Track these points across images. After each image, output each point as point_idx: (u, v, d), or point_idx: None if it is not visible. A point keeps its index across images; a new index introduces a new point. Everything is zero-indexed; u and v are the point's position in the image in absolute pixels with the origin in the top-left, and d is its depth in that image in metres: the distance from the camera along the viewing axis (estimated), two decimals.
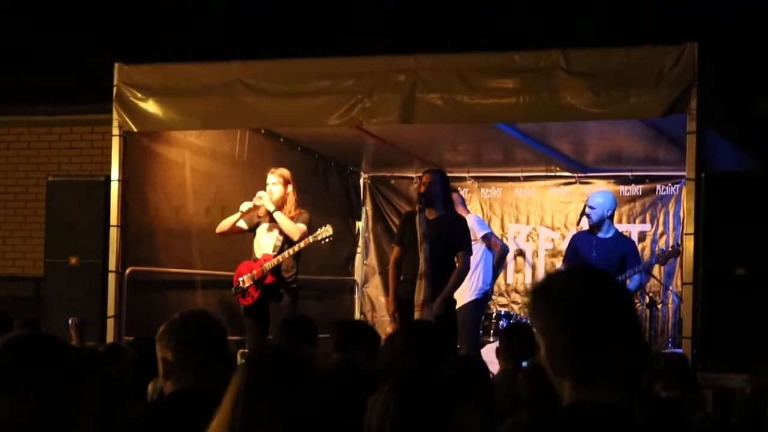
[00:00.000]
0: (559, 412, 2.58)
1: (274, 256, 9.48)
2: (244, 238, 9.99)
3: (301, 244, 9.41)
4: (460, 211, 10.69)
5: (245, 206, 9.67)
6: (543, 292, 2.68)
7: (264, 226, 9.66)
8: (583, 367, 2.59)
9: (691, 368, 7.31)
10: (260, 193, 9.62)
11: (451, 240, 9.35)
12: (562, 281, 2.70)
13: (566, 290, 2.65)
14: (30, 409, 2.60)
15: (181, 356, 3.90)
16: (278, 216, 9.52)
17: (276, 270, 9.48)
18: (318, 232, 9.45)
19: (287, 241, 9.58)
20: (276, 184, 9.65)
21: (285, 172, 9.73)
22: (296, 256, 9.57)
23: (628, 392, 2.63)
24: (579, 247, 9.97)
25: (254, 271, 9.51)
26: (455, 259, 9.38)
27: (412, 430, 3.02)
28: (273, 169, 9.80)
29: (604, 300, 2.63)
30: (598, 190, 10.95)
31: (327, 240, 9.47)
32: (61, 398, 2.64)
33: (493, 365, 9.30)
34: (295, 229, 9.47)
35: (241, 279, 9.59)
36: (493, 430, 4.08)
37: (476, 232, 11.12)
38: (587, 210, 9.95)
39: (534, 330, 2.68)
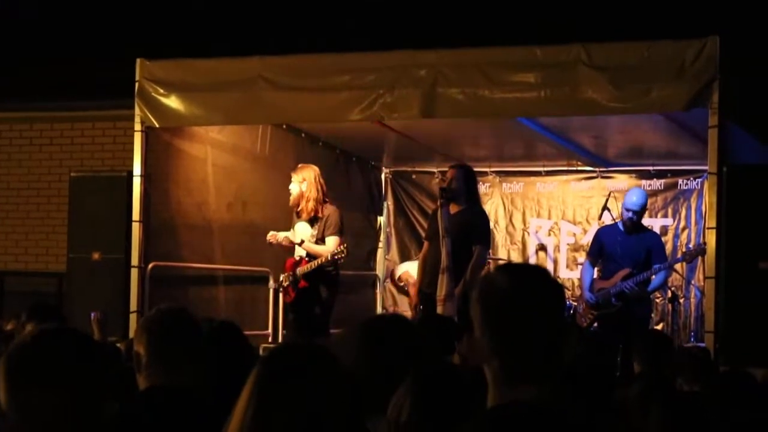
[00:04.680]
0: (484, 415, 2.53)
1: (307, 262, 9.56)
2: (264, 234, 10.03)
3: (322, 260, 9.46)
4: None
5: (280, 237, 9.84)
6: (476, 286, 2.71)
7: (301, 225, 9.71)
8: (505, 361, 2.58)
9: (713, 362, 7.30)
10: (280, 234, 9.78)
11: (468, 234, 9.38)
12: (490, 276, 2.72)
13: (489, 284, 2.66)
14: (55, 401, 2.62)
15: (152, 351, 3.85)
16: (306, 246, 9.61)
17: (308, 276, 9.57)
18: (336, 251, 9.48)
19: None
20: (294, 183, 9.72)
21: (306, 172, 9.70)
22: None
23: (562, 389, 2.61)
24: (604, 241, 9.92)
25: (289, 273, 9.67)
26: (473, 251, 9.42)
27: (426, 423, 3.02)
28: (298, 169, 9.81)
29: (525, 294, 2.63)
30: (632, 190, 10.39)
31: (341, 259, 9.51)
32: (85, 391, 2.66)
33: None
34: (325, 251, 9.50)
35: (283, 276, 9.75)
36: None
37: None
38: (629, 214, 9.71)
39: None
